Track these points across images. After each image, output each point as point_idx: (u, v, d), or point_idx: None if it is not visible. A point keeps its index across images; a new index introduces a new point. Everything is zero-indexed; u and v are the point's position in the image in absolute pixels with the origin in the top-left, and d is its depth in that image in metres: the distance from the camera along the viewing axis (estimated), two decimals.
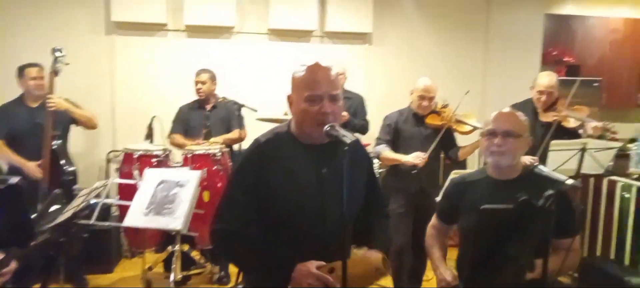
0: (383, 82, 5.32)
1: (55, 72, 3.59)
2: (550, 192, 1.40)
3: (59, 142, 3.75)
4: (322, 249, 1.67)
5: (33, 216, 2.60)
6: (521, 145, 2.04)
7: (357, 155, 1.79)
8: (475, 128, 3.46)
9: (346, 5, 5.10)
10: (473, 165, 5.14)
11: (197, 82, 4.13)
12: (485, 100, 5.47)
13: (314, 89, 1.63)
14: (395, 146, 3.47)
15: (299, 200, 1.68)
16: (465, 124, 3.50)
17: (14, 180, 1.21)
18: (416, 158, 3.31)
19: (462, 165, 3.74)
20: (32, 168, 3.57)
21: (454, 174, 3.07)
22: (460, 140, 3.63)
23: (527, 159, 2.91)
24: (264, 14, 5.01)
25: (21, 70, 3.73)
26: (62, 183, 3.69)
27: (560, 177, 1.62)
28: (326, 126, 1.59)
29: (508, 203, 1.49)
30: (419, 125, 3.48)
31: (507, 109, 2.09)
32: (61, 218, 2.66)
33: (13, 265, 1.50)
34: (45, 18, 4.63)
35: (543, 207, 1.40)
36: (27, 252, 1.72)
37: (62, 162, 3.73)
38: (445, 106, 3.56)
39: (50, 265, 2.85)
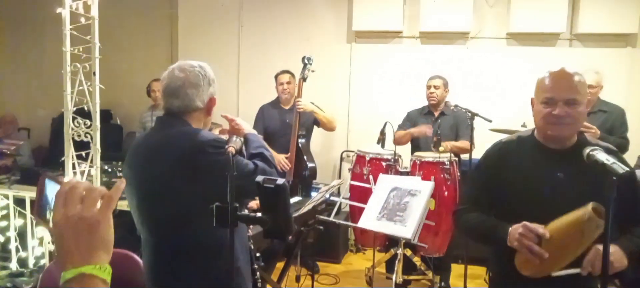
0: None
1: (304, 78, 4.02)
2: None
3: (304, 140, 4.19)
4: None
5: None
6: None
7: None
8: None
9: (603, 2, 4.43)
10: None
11: (429, 86, 4.11)
12: None
13: (549, 92, 1.70)
14: None
15: (530, 203, 1.72)
16: None
17: (281, 180, 1.38)
18: None
19: None
20: (282, 160, 4.09)
21: None
22: None
23: None
24: (504, 17, 4.71)
25: (276, 76, 4.31)
26: (304, 177, 4.13)
27: None
28: (587, 149, 1.53)
29: None
30: None
31: None
32: (303, 210, 2.96)
33: None
34: (298, 28, 5.22)
35: None
36: None
37: (305, 158, 4.17)
38: None
39: (291, 249, 3.25)
